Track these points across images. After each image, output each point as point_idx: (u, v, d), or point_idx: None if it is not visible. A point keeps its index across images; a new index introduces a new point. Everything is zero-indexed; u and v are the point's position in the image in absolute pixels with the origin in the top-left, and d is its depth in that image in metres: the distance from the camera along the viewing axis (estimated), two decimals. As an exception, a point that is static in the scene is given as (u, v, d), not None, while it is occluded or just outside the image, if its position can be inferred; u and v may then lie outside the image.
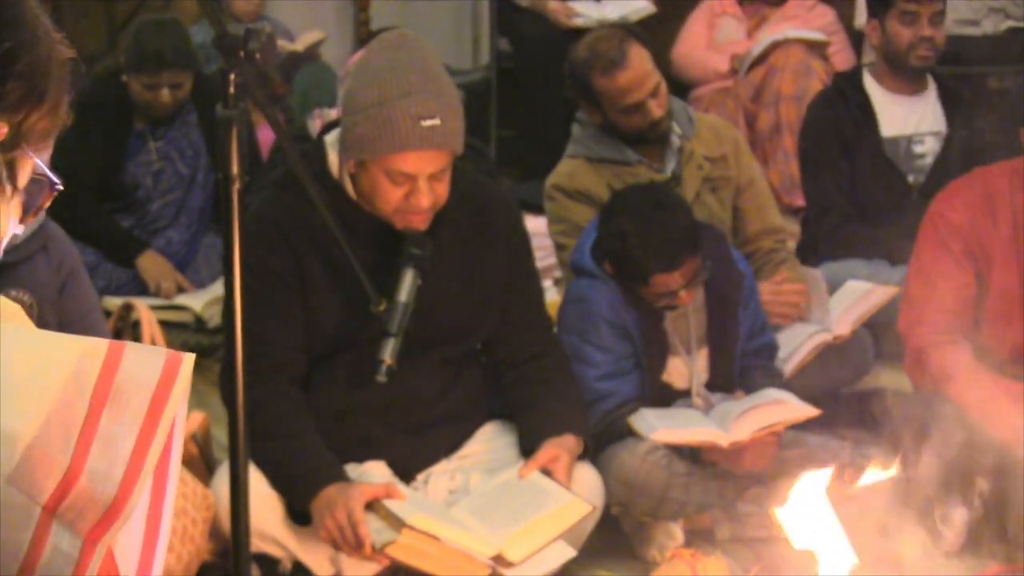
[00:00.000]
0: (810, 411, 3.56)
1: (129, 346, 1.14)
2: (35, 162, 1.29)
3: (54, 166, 1.33)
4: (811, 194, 4.87)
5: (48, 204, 1.33)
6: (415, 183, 3.10)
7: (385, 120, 3.05)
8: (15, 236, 1.32)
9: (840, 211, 4.71)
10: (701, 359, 3.76)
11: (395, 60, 3.09)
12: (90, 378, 1.12)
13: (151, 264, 4.96)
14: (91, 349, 1.13)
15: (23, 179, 1.28)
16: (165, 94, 4.91)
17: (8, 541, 1.08)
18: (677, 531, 3.62)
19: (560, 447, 3.27)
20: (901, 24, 4.64)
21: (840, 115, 4.75)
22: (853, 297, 4.18)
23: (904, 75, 4.74)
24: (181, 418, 1.16)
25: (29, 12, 1.25)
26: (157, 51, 4.85)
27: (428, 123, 3.04)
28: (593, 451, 3.43)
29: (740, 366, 3.81)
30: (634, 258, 3.56)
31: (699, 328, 3.75)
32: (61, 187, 1.32)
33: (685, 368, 3.75)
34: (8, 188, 1.26)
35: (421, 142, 3.06)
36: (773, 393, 3.62)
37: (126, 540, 1.16)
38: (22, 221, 1.31)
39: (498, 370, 3.46)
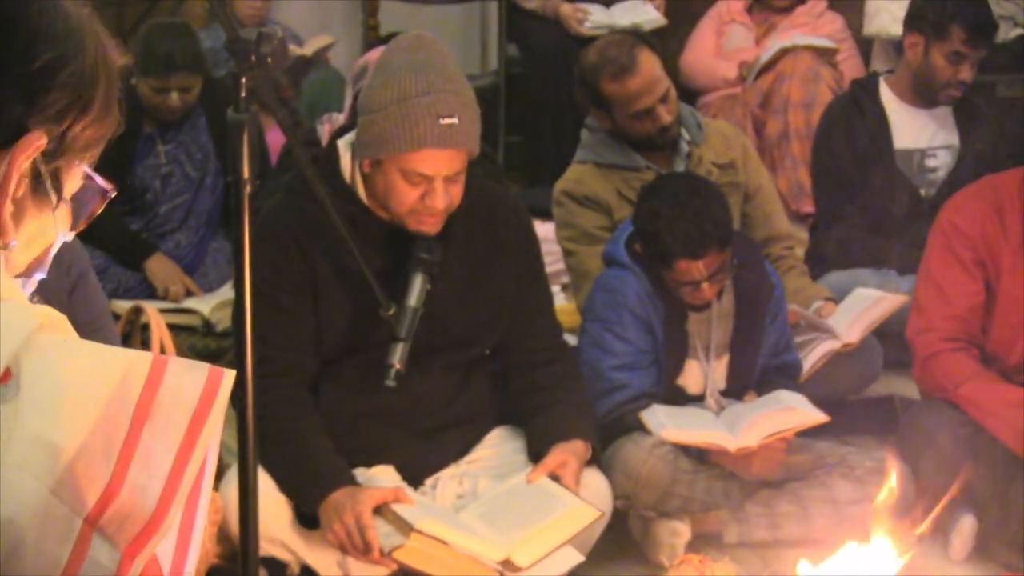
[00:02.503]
0: (819, 417, 3.56)
1: (172, 361, 1.15)
2: (84, 170, 1.29)
3: None
4: (821, 203, 4.86)
5: (100, 211, 1.34)
6: (431, 184, 3.10)
7: (404, 117, 3.05)
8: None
9: (850, 222, 4.70)
10: (720, 366, 3.76)
11: (414, 60, 3.09)
12: (133, 392, 1.13)
13: (159, 267, 4.96)
14: (135, 363, 1.14)
15: (70, 188, 1.29)
16: (174, 97, 4.92)
17: (49, 552, 1.09)
18: (684, 528, 3.61)
19: (568, 452, 3.27)
20: (946, 61, 4.58)
21: (854, 125, 4.73)
22: (863, 305, 4.18)
23: (925, 94, 4.72)
24: (217, 432, 1.17)
25: (75, 21, 1.25)
26: (167, 54, 4.85)
27: (447, 121, 3.05)
28: (601, 448, 3.44)
29: (761, 381, 3.80)
30: (662, 239, 3.57)
31: (722, 335, 3.75)
32: (113, 193, 1.33)
33: (701, 374, 3.75)
34: (54, 198, 1.27)
35: (440, 140, 3.06)
36: (784, 398, 3.62)
37: (159, 551, 1.17)
38: (74, 229, 1.32)
39: (507, 375, 3.46)
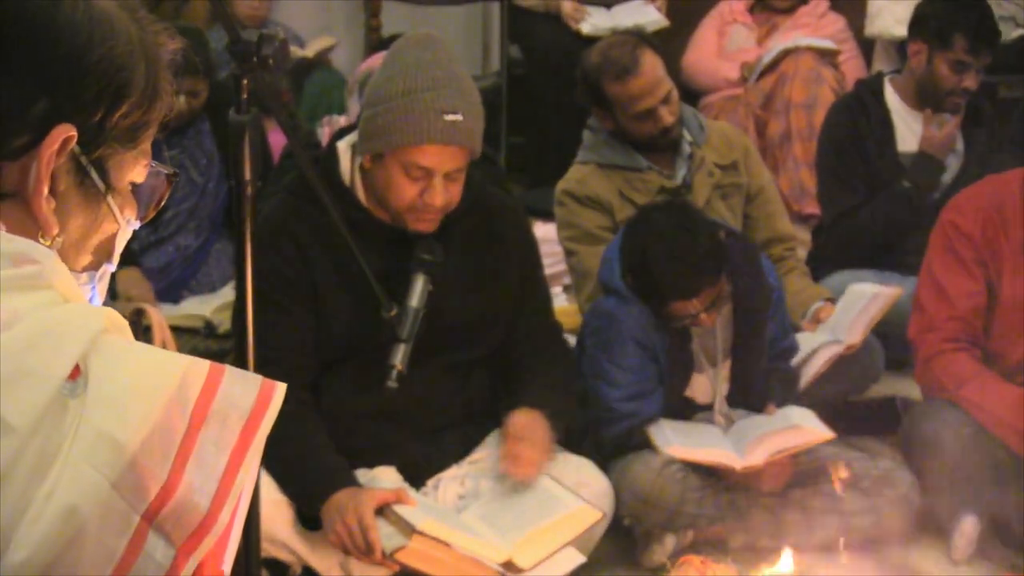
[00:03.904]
0: (826, 434, 3.54)
1: (228, 370, 1.20)
2: (138, 157, 1.31)
3: None
4: (825, 201, 4.85)
5: (168, 194, 1.37)
6: (431, 180, 3.11)
7: (409, 111, 3.06)
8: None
9: (853, 222, 4.70)
10: (724, 371, 3.75)
11: (421, 58, 3.11)
12: (191, 396, 1.17)
13: (128, 278, 4.91)
14: (194, 368, 1.18)
15: (121, 177, 1.31)
16: (181, 101, 4.91)
17: (107, 544, 1.12)
18: (667, 539, 3.62)
19: (530, 416, 3.25)
20: (950, 69, 4.58)
21: (859, 125, 4.73)
22: (860, 303, 4.16)
23: (929, 99, 4.72)
24: (263, 443, 1.22)
25: (99, 8, 1.26)
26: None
27: (451, 118, 3.06)
28: (595, 452, 3.44)
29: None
30: (652, 281, 3.53)
31: (726, 341, 3.73)
32: (177, 174, 1.37)
33: (708, 383, 3.73)
34: (101, 186, 1.29)
35: (443, 136, 3.07)
36: (791, 415, 3.60)
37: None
38: (142, 217, 1.35)
39: (504, 374, 3.45)
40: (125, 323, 1.24)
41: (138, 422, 1.13)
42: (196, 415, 1.16)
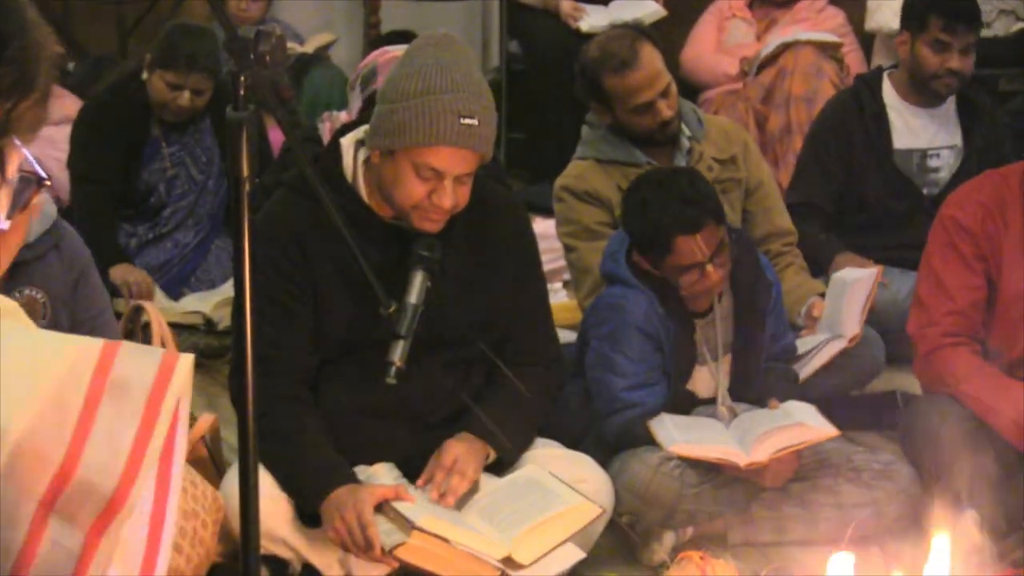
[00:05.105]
0: (830, 432, 3.53)
1: (124, 345, 1.16)
2: (24, 156, 1.28)
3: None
4: (794, 194, 4.83)
5: (35, 201, 1.31)
6: (440, 182, 3.11)
7: (426, 111, 3.05)
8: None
9: (820, 218, 4.71)
10: (725, 366, 3.75)
11: (441, 57, 3.10)
12: (85, 375, 1.13)
13: (122, 270, 4.91)
14: (85, 348, 1.15)
15: (11, 170, 1.27)
16: (186, 97, 4.93)
17: (2, 538, 1.09)
18: (667, 536, 3.61)
19: (464, 447, 3.22)
20: (931, 50, 4.61)
21: (852, 122, 4.73)
22: (845, 294, 4.16)
23: (925, 91, 4.73)
24: (184, 419, 1.17)
25: (18, 3, 1.25)
26: (190, 53, 4.88)
27: (467, 121, 3.05)
28: (595, 450, 3.43)
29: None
30: (656, 224, 3.55)
31: (726, 335, 3.73)
32: (49, 182, 1.31)
33: (710, 377, 3.73)
34: None
35: (458, 139, 3.06)
36: (795, 412, 3.59)
37: (129, 538, 1.16)
38: (9, 217, 1.29)
39: (492, 371, 3.42)
40: (16, 307, 1.21)
41: (20, 408, 1.10)
42: (91, 395, 1.13)
